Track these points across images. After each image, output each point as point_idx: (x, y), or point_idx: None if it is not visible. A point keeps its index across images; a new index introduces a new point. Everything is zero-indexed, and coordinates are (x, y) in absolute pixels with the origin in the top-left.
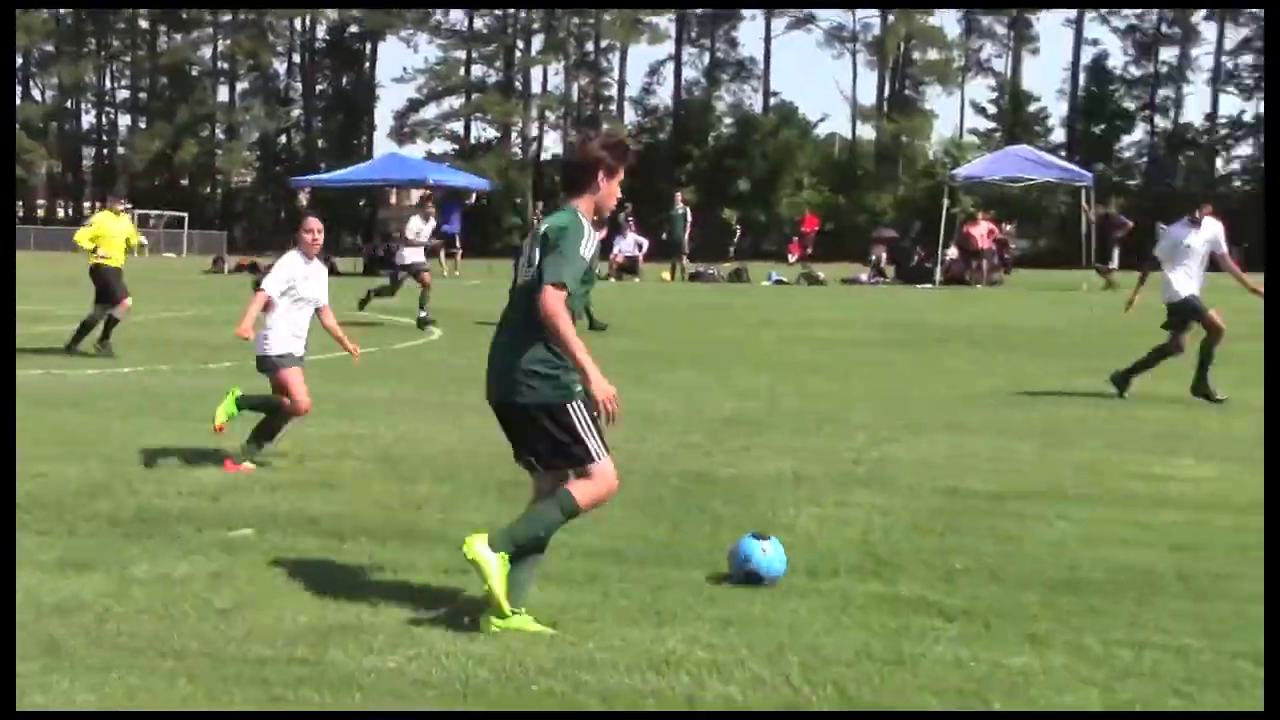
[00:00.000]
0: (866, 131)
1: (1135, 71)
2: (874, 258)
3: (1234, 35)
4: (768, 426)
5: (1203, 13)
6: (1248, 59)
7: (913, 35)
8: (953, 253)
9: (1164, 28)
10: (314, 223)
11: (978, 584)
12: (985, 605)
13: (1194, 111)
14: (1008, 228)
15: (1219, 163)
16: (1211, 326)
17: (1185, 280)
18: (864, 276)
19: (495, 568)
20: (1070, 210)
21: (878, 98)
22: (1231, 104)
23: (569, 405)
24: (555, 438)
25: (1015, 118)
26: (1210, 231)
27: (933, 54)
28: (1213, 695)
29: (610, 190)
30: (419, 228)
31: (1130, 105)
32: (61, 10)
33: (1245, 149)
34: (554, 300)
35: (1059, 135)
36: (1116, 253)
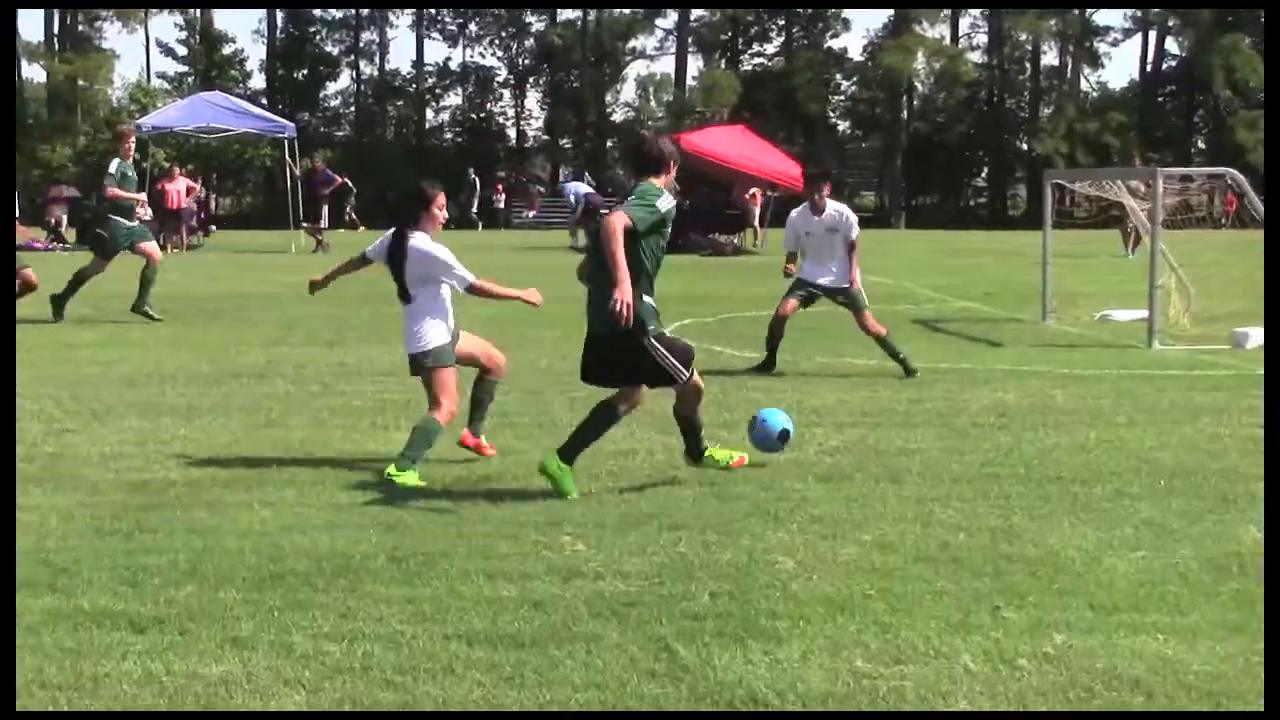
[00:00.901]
0: (36, 73)
1: (336, 14)
2: (52, 220)
3: None
4: None
5: None
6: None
7: None
8: (145, 213)
9: None
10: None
11: (172, 586)
12: (180, 610)
13: (400, 58)
14: (198, 187)
15: (429, 113)
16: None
17: (816, 269)
18: (39, 243)
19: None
20: (275, 164)
21: (46, 32)
22: (438, 50)
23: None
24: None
25: (209, 60)
26: (831, 219)
27: None
28: (426, 683)
29: None
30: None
31: (333, 50)
32: None
33: (454, 98)
34: (615, 223)
35: (258, 81)
36: (326, 210)
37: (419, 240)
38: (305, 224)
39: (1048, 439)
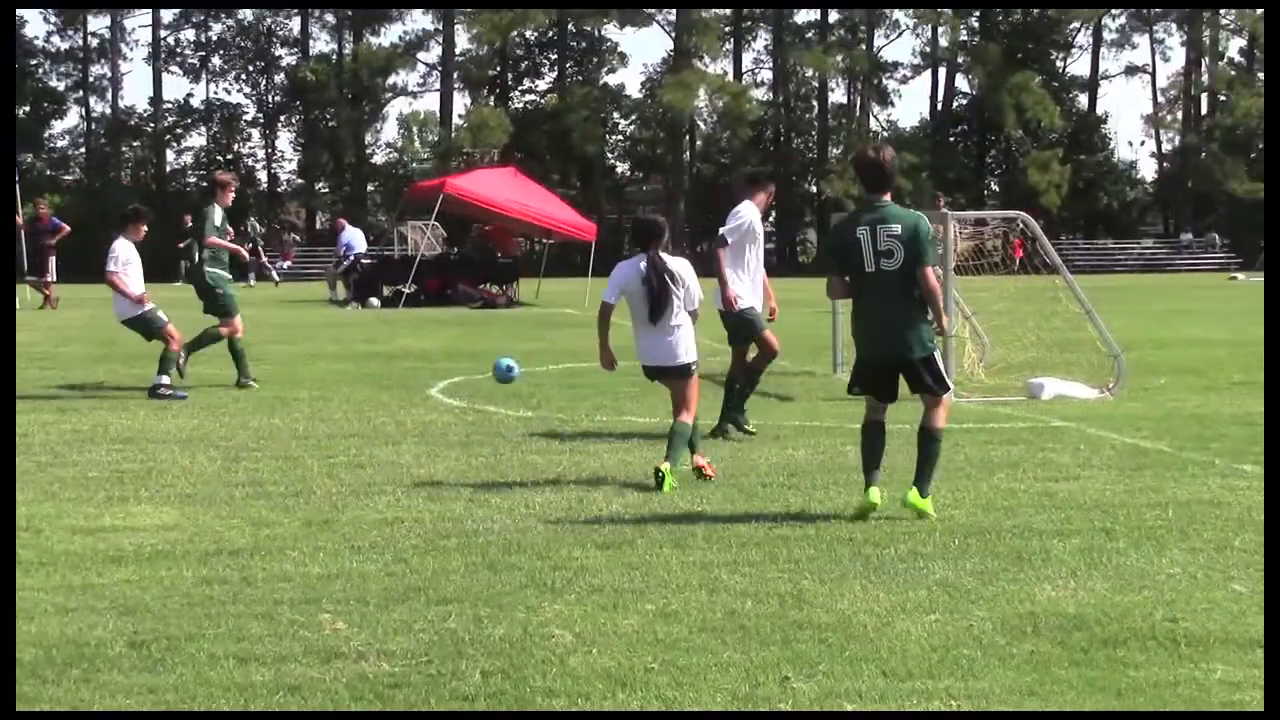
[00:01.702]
0: None
1: (62, 45)
2: None
3: (171, 10)
4: None
5: None
6: (189, 34)
7: None
8: None
9: None
10: None
11: None
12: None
13: (136, 94)
14: None
15: (170, 154)
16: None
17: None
18: None
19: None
20: None
21: None
22: (178, 86)
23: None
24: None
25: None
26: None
27: None
28: None
29: None
30: None
31: (59, 84)
32: None
33: (197, 138)
34: (934, 278)
35: None
36: (53, 262)
37: (681, 264)
38: (30, 277)
39: (839, 498)
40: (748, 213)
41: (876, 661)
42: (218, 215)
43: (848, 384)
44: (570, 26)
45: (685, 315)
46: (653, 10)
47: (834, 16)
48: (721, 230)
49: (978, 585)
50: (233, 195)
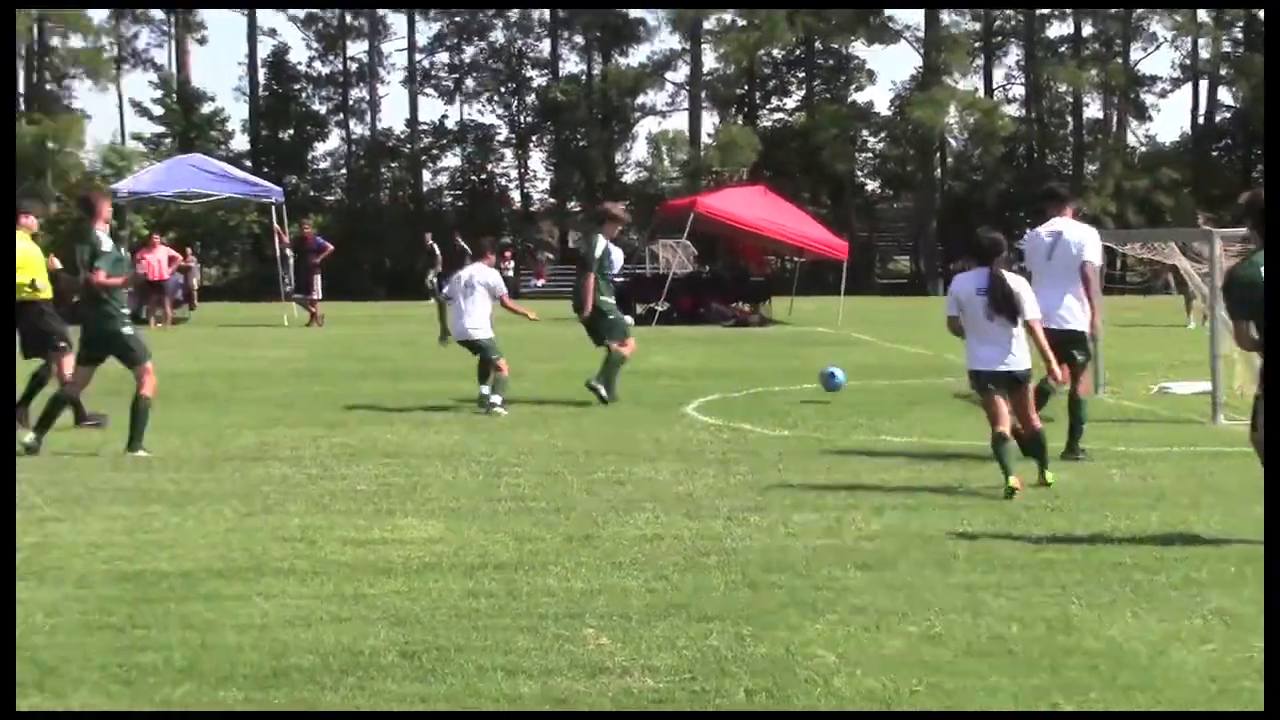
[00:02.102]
0: None
1: (322, 69)
2: None
3: (426, 30)
4: None
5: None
6: (443, 57)
7: (46, 18)
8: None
9: (349, 18)
10: None
11: (168, 685)
12: (178, 711)
13: (393, 116)
14: (191, 256)
15: (426, 175)
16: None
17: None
18: None
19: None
20: (264, 231)
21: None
22: (433, 108)
23: None
24: None
25: (187, 121)
26: None
27: (76, 40)
28: None
29: None
30: None
31: (321, 108)
32: None
33: (452, 159)
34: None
35: (241, 142)
36: (318, 280)
37: (1018, 281)
38: (297, 295)
39: (1106, 522)
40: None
41: (1151, 691)
42: (599, 246)
43: None
44: (818, 44)
45: (1021, 328)
46: (900, 26)
47: (1087, 30)
48: (1087, 257)
49: (1257, 614)
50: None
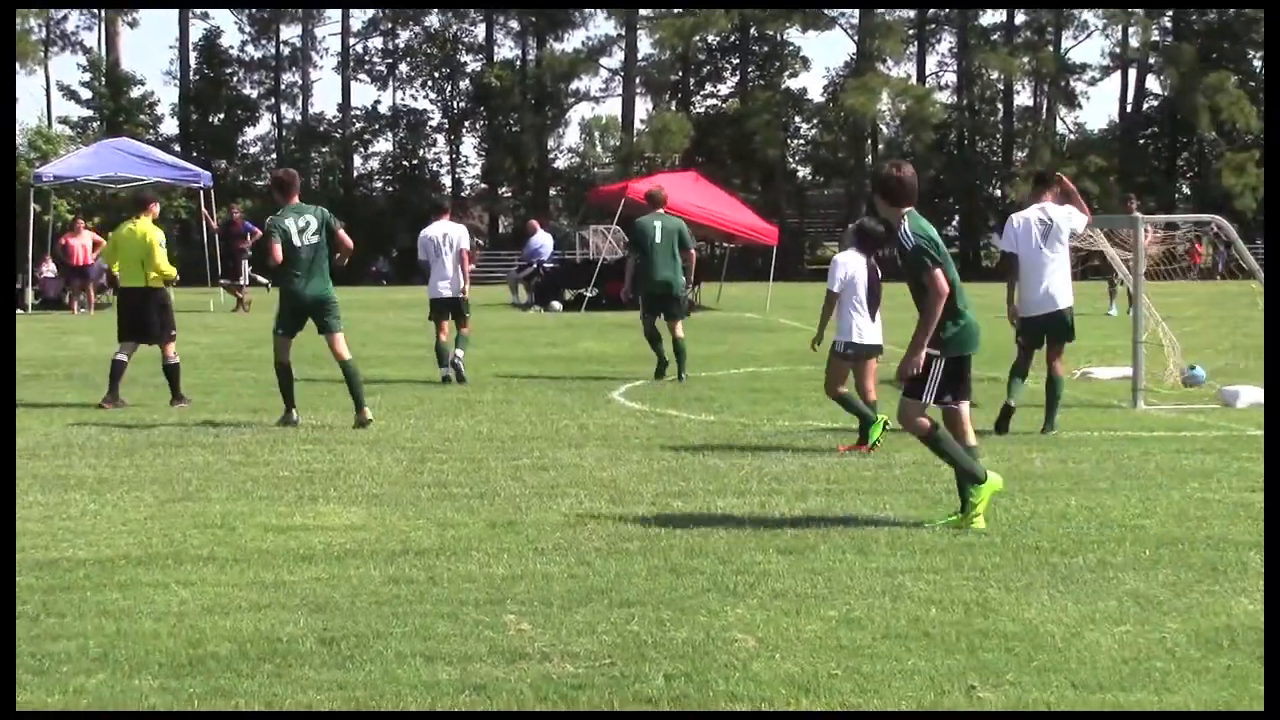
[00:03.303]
0: None
1: (255, 53)
2: None
3: (361, 15)
4: None
5: None
6: (377, 42)
7: None
8: (49, 270)
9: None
10: None
11: (82, 674)
12: (91, 699)
13: (325, 101)
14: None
15: (357, 160)
16: None
17: None
18: None
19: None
20: (191, 216)
21: None
22: (365, 93)
23: None
24: None
25: (116, 105)
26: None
27: None
28: None
29: None
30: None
31: (252, 93)
32: None
33: (384, 144)
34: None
35: (171, 126)
36: (247, 266)
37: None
38: (224, 280)
39: (1025, 506)
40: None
41: (1065, 672)
42: None
43: None
44: (753, 30)
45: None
46: (835, 13)
47: (1020, 18)
48: (1075, 227)
49: (1170, 597)
50: None
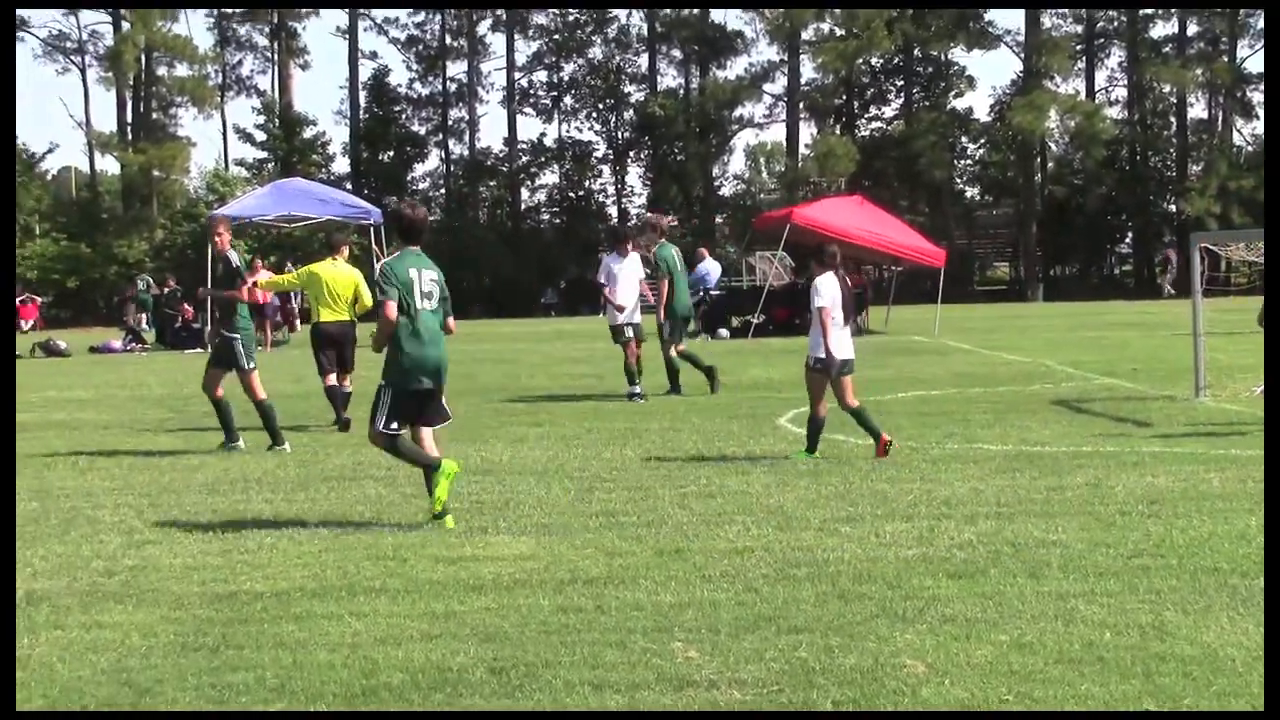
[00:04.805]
0: (109, 164)
1: (422, 90)
2: (129, 320)
3: (525, 49)
4: None
5: (488, 23)
6: (542, 75)
7: (154, 46)
8: None
9: (449, 39)
10: None
11: (260, 704)
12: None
13: (491, 135)
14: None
15: (524, 193)
16: None
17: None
18: (116, 344)
19: None
20: (363, 252)
21: (119, 122)
22: (531, 126)
23: None
24: None
25: (289, 145)
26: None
27: (182, 69)
28: None
29: None
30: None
31: (420, 129)
32: None
33: (550, 176)
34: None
35: (342, 165)
36: None
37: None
38: None
39: (1203, 527)
40: None
41: (1247, 698)
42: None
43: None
44: (916, 51)
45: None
46: (1000, 30)
47: (1193, 28)
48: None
49: None
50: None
